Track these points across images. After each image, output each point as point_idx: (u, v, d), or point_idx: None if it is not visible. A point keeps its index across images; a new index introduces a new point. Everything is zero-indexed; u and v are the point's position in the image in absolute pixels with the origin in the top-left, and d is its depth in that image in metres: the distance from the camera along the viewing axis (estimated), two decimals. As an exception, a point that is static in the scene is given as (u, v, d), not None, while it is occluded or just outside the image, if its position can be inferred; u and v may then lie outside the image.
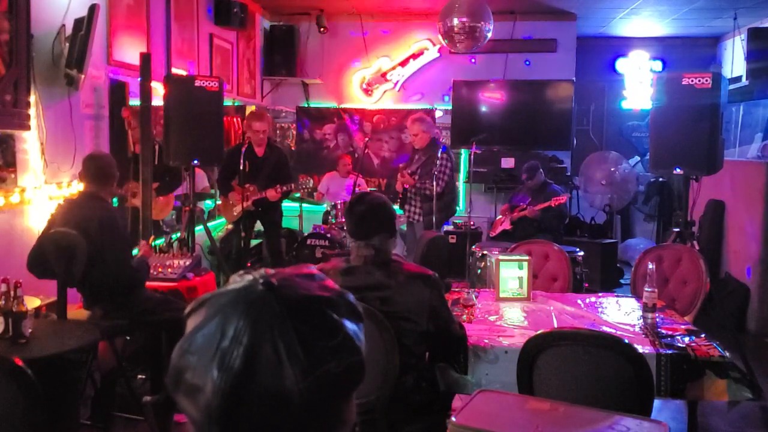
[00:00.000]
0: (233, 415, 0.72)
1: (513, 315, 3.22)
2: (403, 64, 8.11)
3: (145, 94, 4.65)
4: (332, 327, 0.77)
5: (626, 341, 2.34)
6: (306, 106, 8.34)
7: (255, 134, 5.72)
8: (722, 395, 2.58)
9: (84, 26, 4.03)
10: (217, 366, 0.72)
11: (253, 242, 6.58)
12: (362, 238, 2.49)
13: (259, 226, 6.14)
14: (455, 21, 5.94)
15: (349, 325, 0.78)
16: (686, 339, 2.79)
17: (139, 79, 4.68)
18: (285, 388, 0.72)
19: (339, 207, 6.82)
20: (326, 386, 0.75)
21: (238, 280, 0.80)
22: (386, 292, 2.42)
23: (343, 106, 8.27)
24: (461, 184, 7.93)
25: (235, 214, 5.77)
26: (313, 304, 0.77)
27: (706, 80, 4.27)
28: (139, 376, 4.18)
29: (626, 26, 8.33)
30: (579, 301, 3.49)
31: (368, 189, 7.56)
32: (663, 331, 2.91)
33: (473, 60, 7.96)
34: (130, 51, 4.94)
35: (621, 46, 9.04)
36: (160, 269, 3.99)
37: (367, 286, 2.41)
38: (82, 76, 4.13)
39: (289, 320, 0.74)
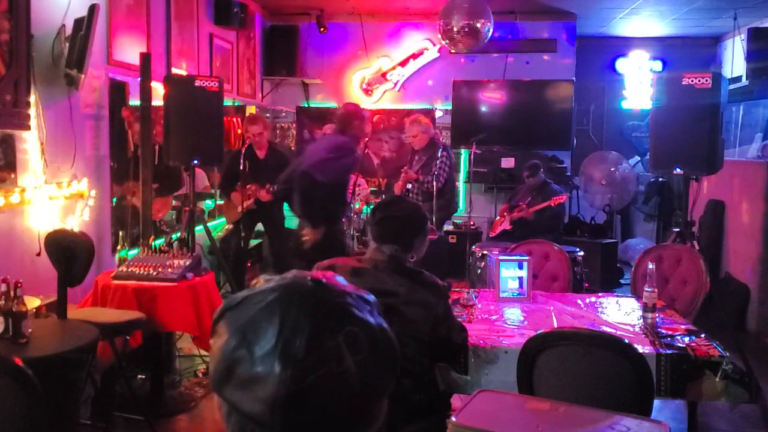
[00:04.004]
0: (296, 405, 0.73)
1: (513, 315, 3.22)
2: (403, 64, 8.10)
3: (145, 94, 4.65)
4: (374, 321, 0.80)
5: (626, 341, 2.34)
6: (306, 106, 8.34)
7: (252, 138, 5.79)
8: (721, 396, 2.58)
9: (84, 26, 4.03)
10: (280, 356, 0.73)
11: (253, 242, 6.58)
12: (376, 241, 2.51)
13: (259, 226, 6.15)
14: (455, 21, 5.94)
15: (382, 321, 0.82)
16: (686, 339, 2.79)
17: (139, 79, 4.68)
18: (346, 378, 0.74)
19: (339, 207, 6.80)
20: (379, 375, 0.77)
21: (274, 279, 0.81)
22: (393, 299, 2.39)
23: (343, 106, 8.26)
24: (461, 184, 7.92)
25: (239, 210, 5.81)
26: (356, 299, 0.81)
27: (706, 80, 4.27)
28: (139, 376, 4.19)
29: (626, 26, 8.33)
30: (579, 301, 3.49)
31: (368, 189, 7.56)
32: (663, 331, 2.91)
33: (473, 60, 7.96)
34: (130, 51, 4.94)
35: (621, 46, 9.04)
36: (160, 269, 3.99)
37: (374, 291, 2.40)
38: (82, 76, 4.12)
39: (341, 312, 0.77)
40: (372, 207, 2.61)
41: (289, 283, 0.79)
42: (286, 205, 6.24)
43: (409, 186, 5.99)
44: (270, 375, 0.73)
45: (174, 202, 5.57)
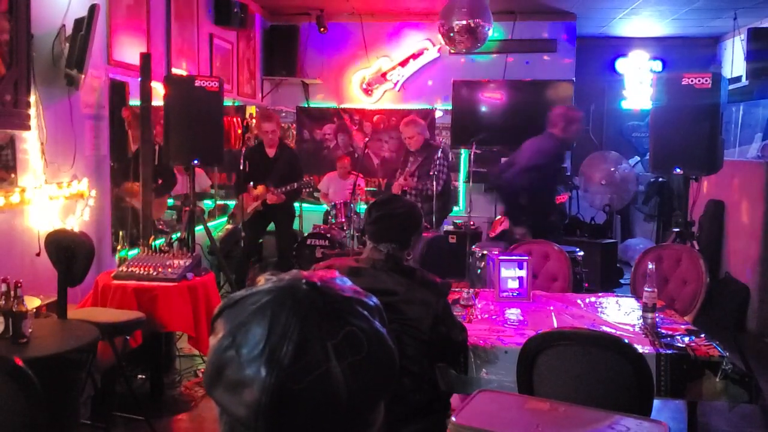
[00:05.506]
0: (281, 412, 0.72)
1: (513, 315, 3.22)
2: (403, 64, 8.10)
3: (145, 94, 4.65)
4: (370, 328, 0.78)
5: (626, 341, 2.34)
6: (306, 106, 8.34)
7: (265, 135, 5.82)
8: (721, 396, 2.58)
9: (84, 26, 4.03)
10: (266, 362, 0.72)
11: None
12: (372, 240, 2.50)
13: (271, 225, 6.18)
14: (455, 21, 5.94)
15: (380, 327, 0.80)
16: (686, 339, 2.79)
17: (139, 79, 4.68)
18: (333, 386, 0.73)
19: (339, 207, 6.82)
20: (370, 385, 0.76)
21: (272, 279, 0.80)
22: (392, 298, 2.39)
23: (343, 106, 8.26)
24: (461, 184, 7.92)
25: (248, 211, 5.85)
26: (352, 305, 0.79)
27: (706, 80, 4.27)
28: (139, 376, 4.19)
29: (626, 26, 8.33)
30: (579, 301, 3.49)
31: (365, 189, 7.56)
32: (663, 331, 2.91)
33: (473, 60, 7.95)
34: (130, 51, 4.94)
35: (621, 46, 9.04)
36: (160, 269, 3.99)
37: (373, 290, 2.39)
38: (82, 76, 4.12)
39: (335, 319, 0.76)
40: (368, 206, 2.60)
41: (284, 285, 0.78)
42: (296, 206, 6.27)
43: (407, 188, 5.99)
44: (255, 380, 0.72)
45: (175, 201, 5.58)
